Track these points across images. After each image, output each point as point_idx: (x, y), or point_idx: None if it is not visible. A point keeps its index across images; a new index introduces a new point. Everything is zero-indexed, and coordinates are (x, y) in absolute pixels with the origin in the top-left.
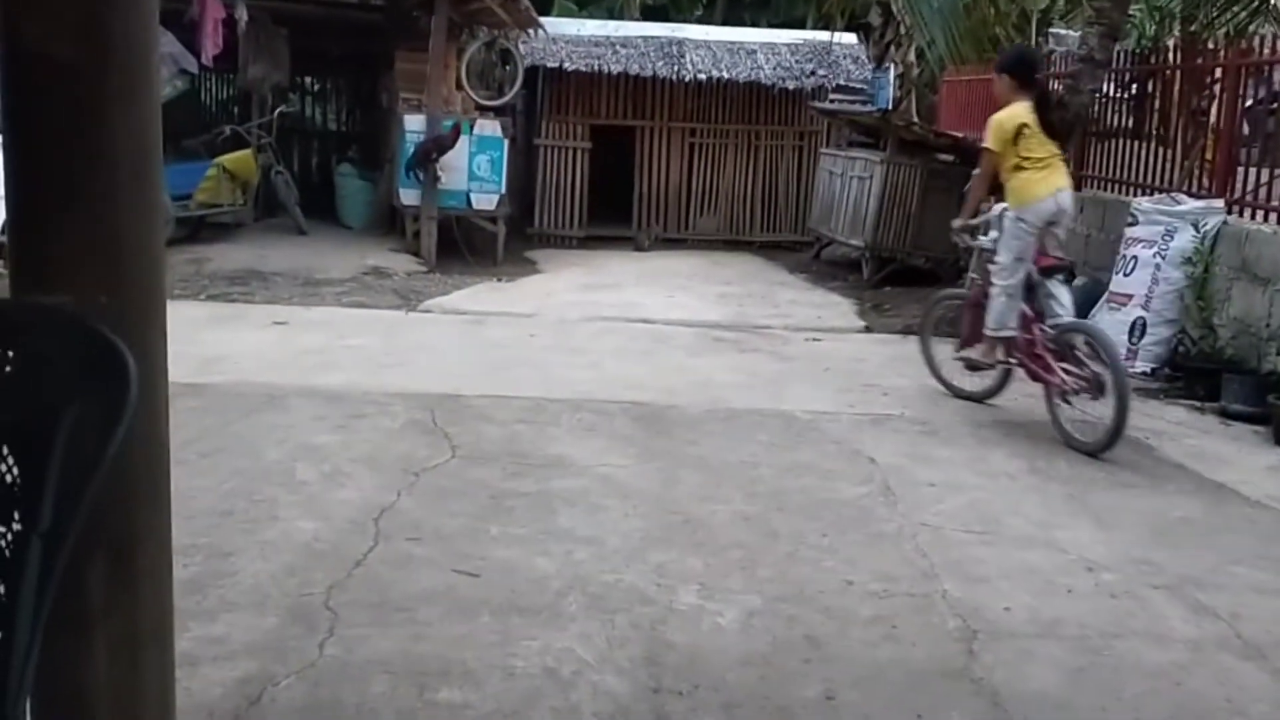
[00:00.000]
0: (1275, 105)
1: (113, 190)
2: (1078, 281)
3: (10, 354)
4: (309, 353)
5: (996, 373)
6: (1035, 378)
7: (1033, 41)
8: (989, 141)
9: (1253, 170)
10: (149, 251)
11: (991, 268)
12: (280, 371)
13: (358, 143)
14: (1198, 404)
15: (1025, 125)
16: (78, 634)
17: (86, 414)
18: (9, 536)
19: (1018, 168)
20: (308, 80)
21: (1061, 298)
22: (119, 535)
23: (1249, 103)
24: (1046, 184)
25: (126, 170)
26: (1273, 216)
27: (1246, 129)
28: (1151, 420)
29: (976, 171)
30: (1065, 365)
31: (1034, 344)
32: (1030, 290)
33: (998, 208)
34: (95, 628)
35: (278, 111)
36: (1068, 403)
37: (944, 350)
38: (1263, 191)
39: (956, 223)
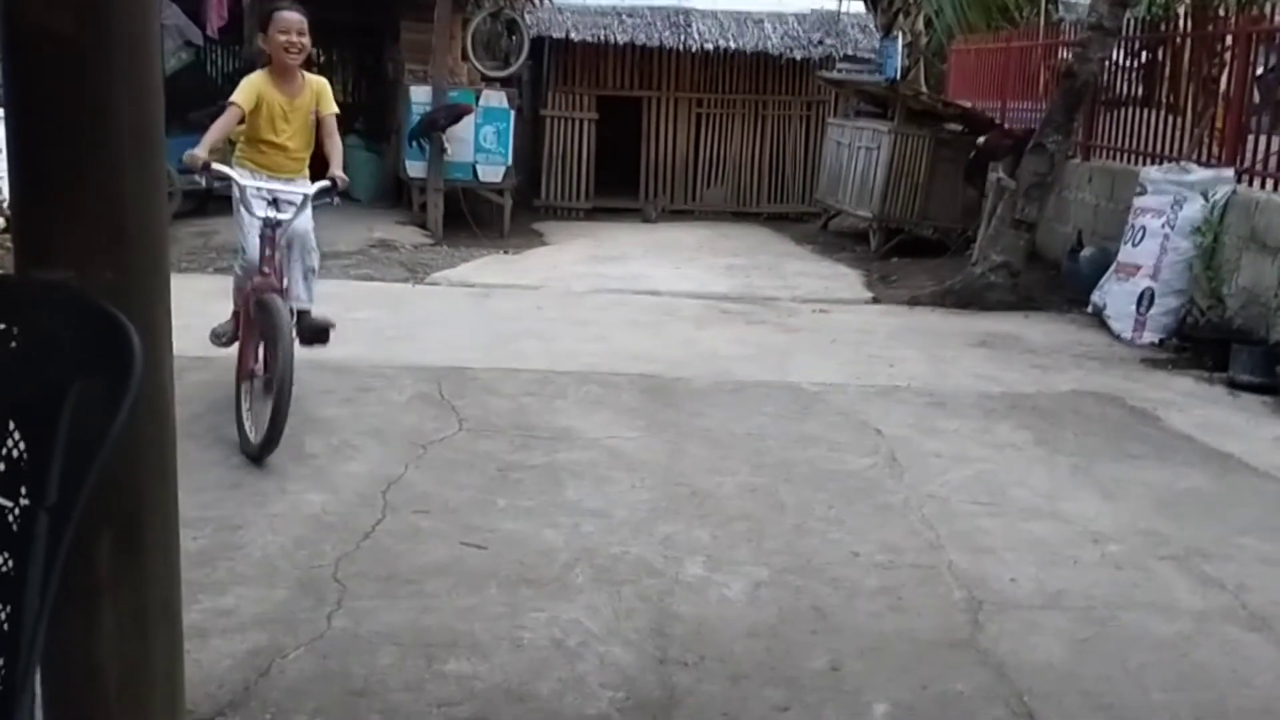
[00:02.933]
0: None
1: (116, 167)
2: (1086, 251)
3: (15, 330)
4: None
5: None
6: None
7: (1042, 10)
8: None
9: (1263, 139)
10: (153, 227)
11: None
12: None
13: (363, 114)
14: (1206, 374)
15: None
16: (86, 608)
17: (92, 390)
18: (16, 512)
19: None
20: (313, 52)
21: None
22: (126, 510)
23: (1260, 71)
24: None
25: (129, 147)
26: None
27: (1257, 97)
28: (1159, 390)
29: None
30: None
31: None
32: None
33: None
34: (104, 601)
35: None
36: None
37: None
38: (1273, 160)
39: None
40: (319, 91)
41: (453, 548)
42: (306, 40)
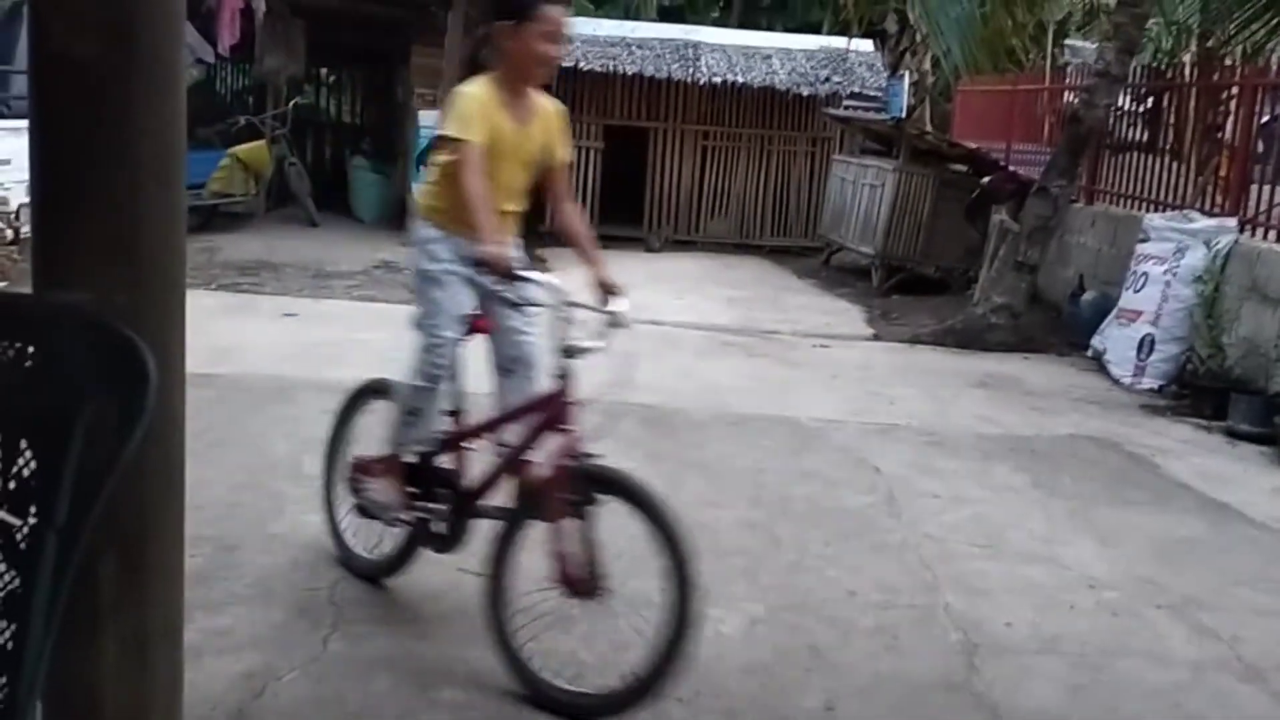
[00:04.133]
0: None
1: (136, 189)
2: (1088, 295)
3: (31, 350)
4: (318, 345)
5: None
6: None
7: (1049, 54)
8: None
9: (1266, 189)
10: (171, 251)
11: None
12: (290, 363)
13: (371, 136)
14: (1204, 423)
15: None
16: (89, 630)
17: (105, 412)
18: (25, 531)
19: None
20: (323, 72)
21: None
22: (131, 532)
23: (1264, 120)
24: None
25: (150, 170)
26: None
27: (1261, 146)
28: (1158, 437)
29: None
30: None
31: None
32: None
33: None
34: (106, 624)
35: (292, 103)
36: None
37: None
38: (1276, 212)
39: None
40: (556, 124)
41: (449, 573)
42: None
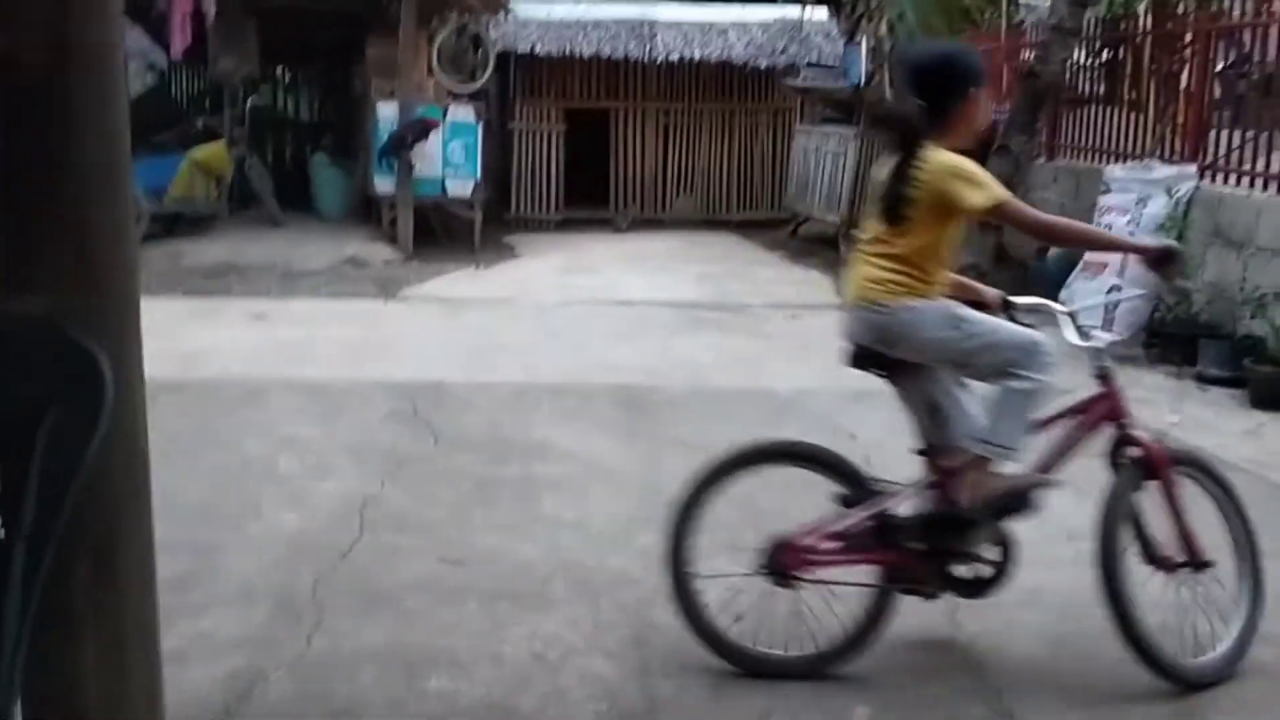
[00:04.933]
0: (1246, 68)
1: (84, 196)
2: (1053, 251)
3: None
4: (288, 345)
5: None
6: None
7: (1004, 12)
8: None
9: (1225, 134)
10: (122, 256)
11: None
12: (260, 365)
13: (331, 132)
14: (1175, 369)
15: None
16: (64, 636)
17: (65, 419)
18: None
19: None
20: (279, 71)
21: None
22: (101, 537)
23: (1220, 67)
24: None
25: (97, 176)
26: (1245, 180)
27: (1218, 92)
28: (1130, 387)
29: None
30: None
31: None
32: None
33: None
34: (82, 629)
35: (249, 103)
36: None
37: None
38: (1235, 156)
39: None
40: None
41: (431, 564)
42: None
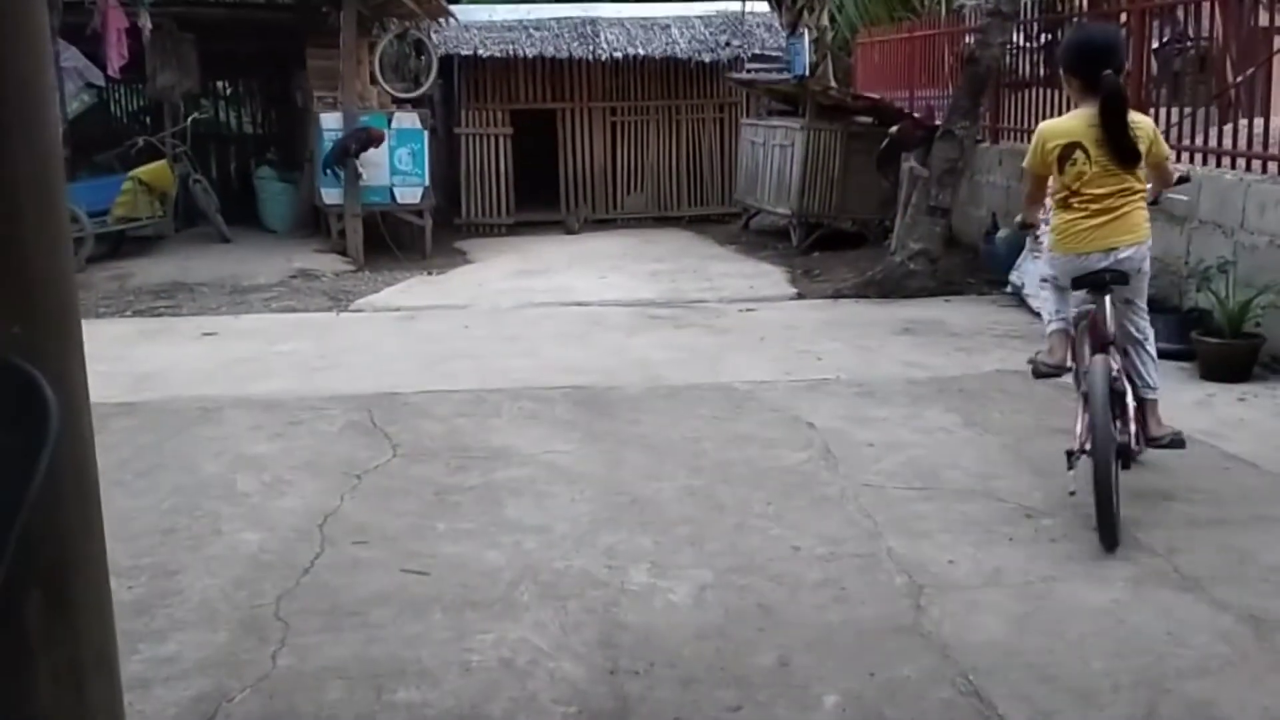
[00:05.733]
0: (1181, 46)
1: (17, 221)
2: (1001, 233)
3: None
4: (241, 362)
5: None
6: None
7: None
8: (1026, 159)
9: (1163, 111)
10: (59, 279)
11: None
12: (213, 383)
13: (275, 144)
14: None
15: (1079, 146)
16: (19, 668)
17: (7, 448)
18: None
19: (1064, 203)
20: (220, 85)
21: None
22: (52, 566)
23: (1156, 45)
24: (1093, 236)
25: (29, 200)
26: (1185, 156)
27: (1155, 70)
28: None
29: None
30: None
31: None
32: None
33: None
34: (37, 660)
35: (190, 119)
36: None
37: None
38: (1174, 132)
39: (1019, 219)
40: None
41: (394, 576)
42: None
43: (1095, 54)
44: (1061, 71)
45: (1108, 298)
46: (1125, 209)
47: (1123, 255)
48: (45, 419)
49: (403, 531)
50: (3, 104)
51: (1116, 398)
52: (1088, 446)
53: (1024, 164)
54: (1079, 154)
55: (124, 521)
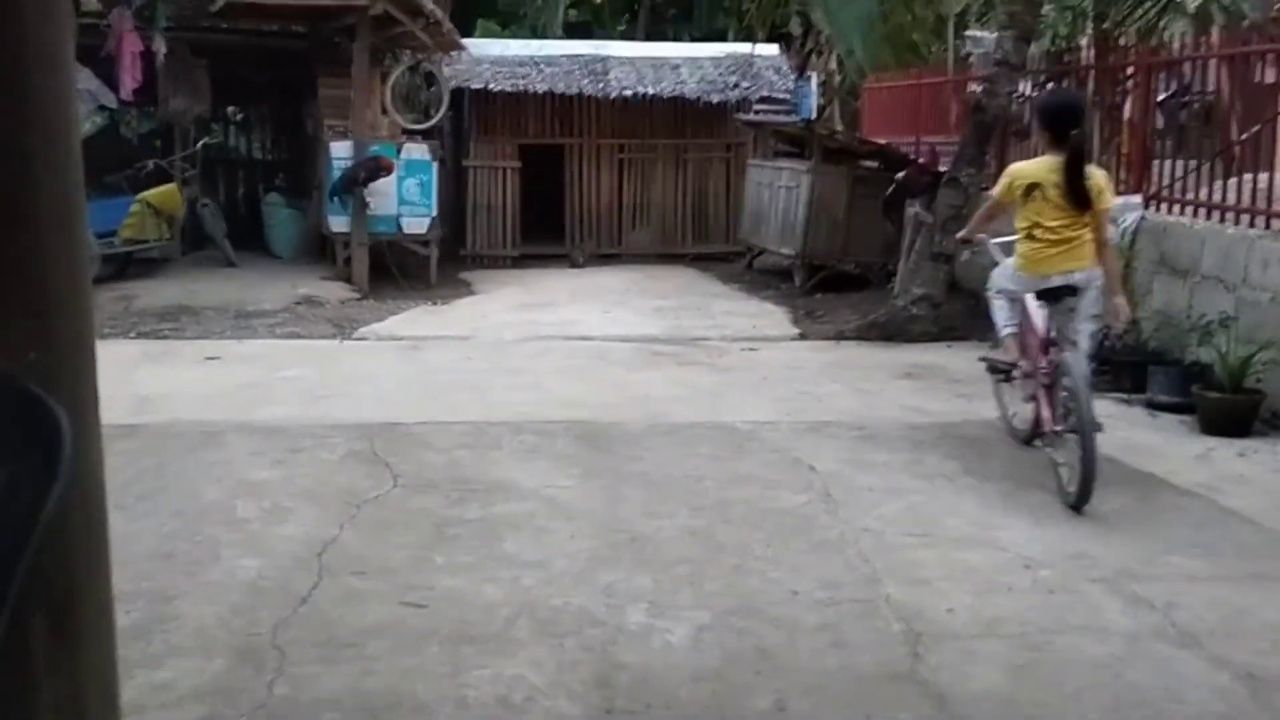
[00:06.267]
0: (1186, 99)
1: (38, 246)
2: None
3: None
4: (244, 387)
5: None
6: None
7: (950, 46)
8: (995, 189)
9: (1168, 164)
10: (77, 306)
11: (989, 295)
12: (215, 408)
13: (284, 171)
14: (1125, 396)
15: (1039, 186)
16: (21, 698)
17: (20, 475)
18: None
19: (1028, 234)
20: (231, 110)
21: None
22: (59, 595)
23: (1161, 97)
24: (1050, 261)
25: (50, 223)
26: (1189, 210)
27: (1161, 123)
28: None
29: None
30: (1048, 407)
31: (1043, 371)
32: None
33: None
34: (39, 690)
35: (201, 143)
36: (1051, 445)
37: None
38: (1180, 185)
39: (960, 234)
40: None
41: (392, 608)
42: None
43: (1066, 115)
44: (1035, 125)
45: (1054, 307)
46: (1077, 241)
47: (1075, 278)
48: (59, 448)
49: (401, 563)
50: (29, 130)
51: (1055, 385)
52: (1058, 428)
53: (992, 192)
54: (1038, 193)
55: (123, 545)
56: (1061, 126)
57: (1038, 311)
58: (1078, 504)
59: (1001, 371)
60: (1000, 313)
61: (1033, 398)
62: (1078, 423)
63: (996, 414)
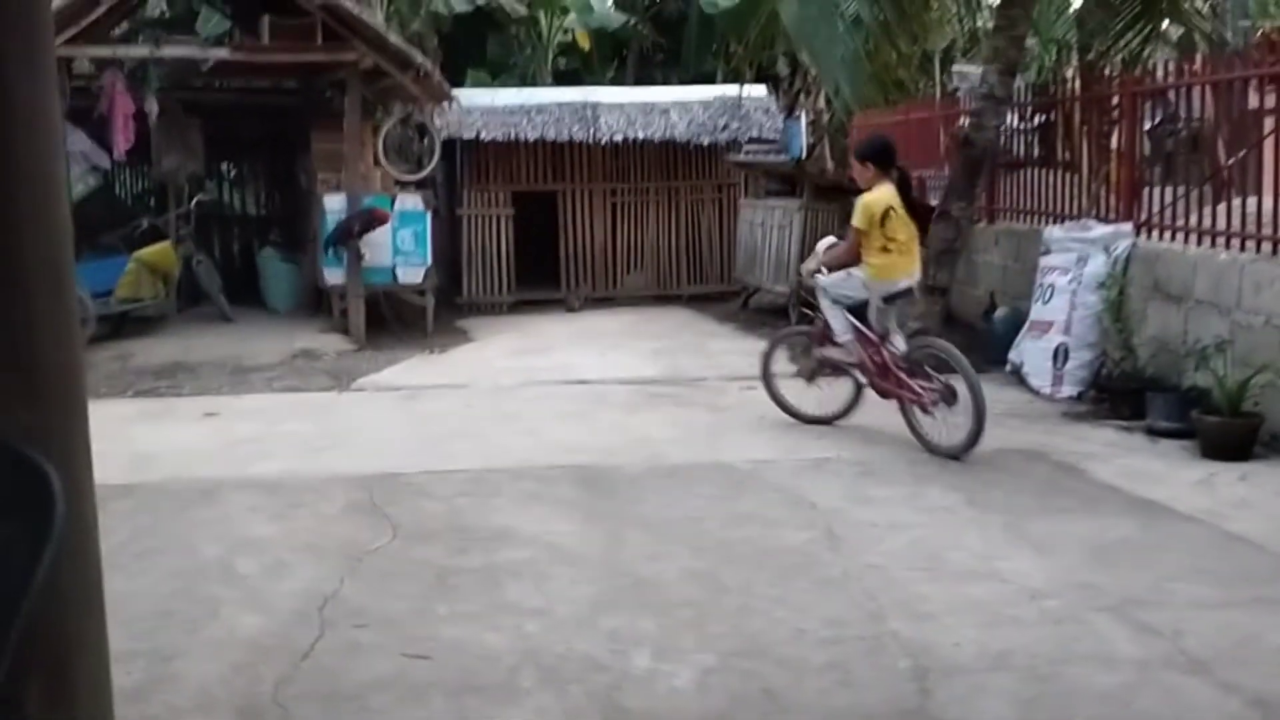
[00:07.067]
0: (1174, 127)
1: (28, 309)
2: (1000, 312)
3: None
4: (242, 442)
5: (845, 396)
6: (886, 395)
7: (937, 81)
8: (857, 221)
9: (1157, 191)
10: (67, 366)
11: (822, 292)
12: (213, 464)
13: (279, 226)
14: (1125, 424)
15: (891, 209)
16: None
17: (13, 536)
18: None
19: (883, 249)
20: (224, 166)
21: (897, 322)
22: (54, 654)
23: (1148, 125)
24: (901, 268)
25: (40, 288)
26: (1180, 236)
27: (1149, 151)
28: (1082, 443)
29: (841, 243)
30: (918, 381)
31: (885, 365)
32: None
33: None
34: None
35: (195, 201)
36: (929, 414)
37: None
38: (1170, 211)
39: (807, 266)
40: None
41: (395, 660)
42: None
43: (889, 152)
44: (860, 160)
45: (888, 307)
46: (912, 250)
47: (914, 280)
48: (51, 509)
49: (403, 614)
50: (15, 197)
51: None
52: (933, 395)
53: (858, 225)
54: (891, 213)
55: (122, 605)
56: (888, 161)
57: (881, 313)
58: (964, 450)
59: (835, 368)
60: (840, 320)
61: (858, 385)
62: (963, 377)
63: (780, 411)
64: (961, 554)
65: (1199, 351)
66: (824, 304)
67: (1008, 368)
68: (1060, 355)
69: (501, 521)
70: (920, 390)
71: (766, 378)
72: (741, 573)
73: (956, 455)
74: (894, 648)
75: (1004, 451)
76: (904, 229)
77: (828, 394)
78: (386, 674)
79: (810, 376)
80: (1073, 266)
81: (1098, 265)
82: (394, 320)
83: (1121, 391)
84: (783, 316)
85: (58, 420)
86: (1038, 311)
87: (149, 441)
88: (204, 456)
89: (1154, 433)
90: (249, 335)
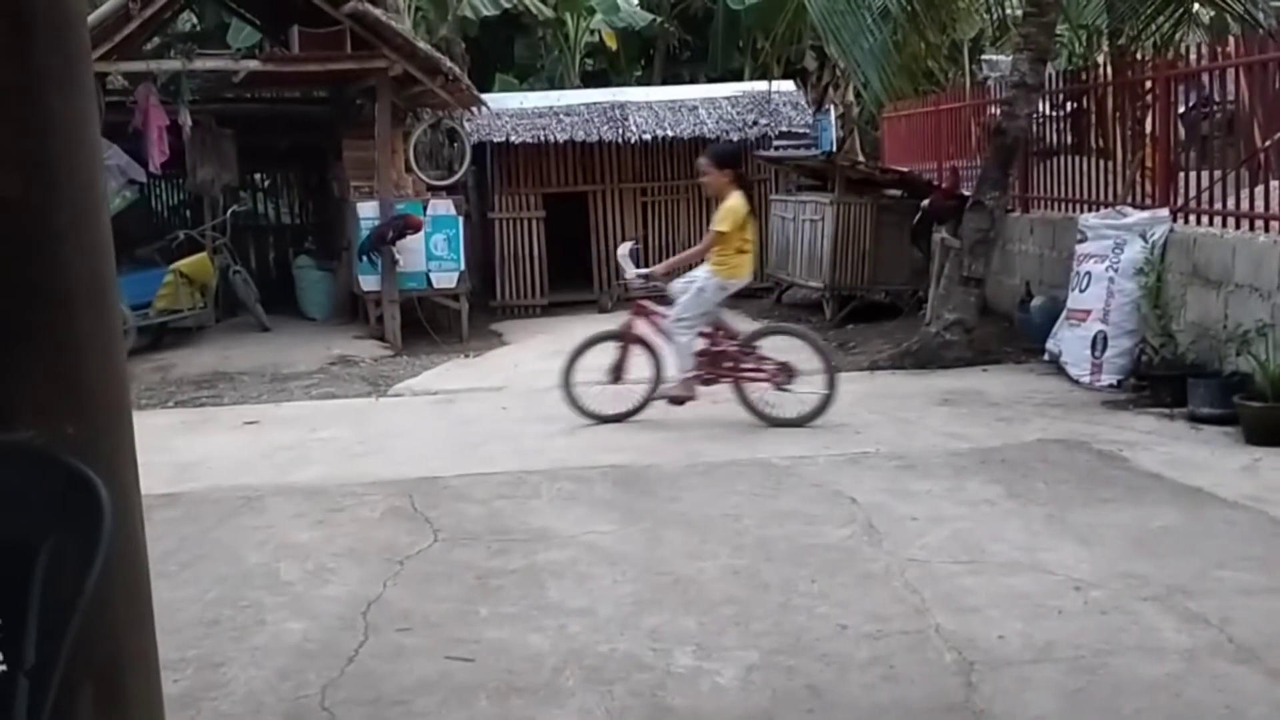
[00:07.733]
0: (1208, 110)
1: (70, 322)
2: (1036, 301)
3: None
4: (282, 450)
5: (640, 395)
6: (714, 382)
7: (966, 71)
8: (725, 224)
9: (1193, 175)
10: (112, 378)
11: (677, 321)
12: (255, 472)
13: (313, 234)
14: (1166, 411)
15: (749, 214)
16: None
17: (63, 548)
18: None
19: (739, 250)
20: (258, 177)
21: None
22: (105, 663)
23: (1182, 110)
24: (750, 266)
25: (83, 298)
26: (1218, 220)
27: (1183, 135)
28: (1123, 432)
29: (697, 248)
30: (757, 361)
31: (727, 356)
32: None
33: (699, 271)
34: None
35: (230, 211)
36: (785, 390)
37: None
38: (1206, 196)
39: (644, 271)
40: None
41: (438, 663)
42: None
43: (740, 159)
44: (719, 167)
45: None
46: (754, 249)
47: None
48: (100, 522)
49: (446, 617)
50: (58, 211)
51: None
52: (783, 375)
53: (725, 228)
54: (747, 218)
55: (168, 613)
56: (739, 167)
57: (719, 306)
58: (813, 418)
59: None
60: (690, 352)
61: (694, 380)
62: (808, 346)
63: (583, 417)
64: (1004, 546)
65: (1240, 336)
66: (680, 337)
67: (1045, 357)
68: (1099, 343)
69: (541, 523)
70: (765, 370)
71: (567, 388)
72: (782, 569)
73: (803, 424)
74: (938, 641)
75: (1044, 442)
76: (753, 230)
77: (624, 391)
78: (430, 677)
79: (676, 402)
80: (1109, 254)
81: (1134, 252)
82: (428, 325)
83: (1162, 378)
84: (817, 311)
85: (104, 432)
86: (1075, 300)
87: (191, 451)
88: (245, 464)
89: (1196, 419)
90: (286, 343)
